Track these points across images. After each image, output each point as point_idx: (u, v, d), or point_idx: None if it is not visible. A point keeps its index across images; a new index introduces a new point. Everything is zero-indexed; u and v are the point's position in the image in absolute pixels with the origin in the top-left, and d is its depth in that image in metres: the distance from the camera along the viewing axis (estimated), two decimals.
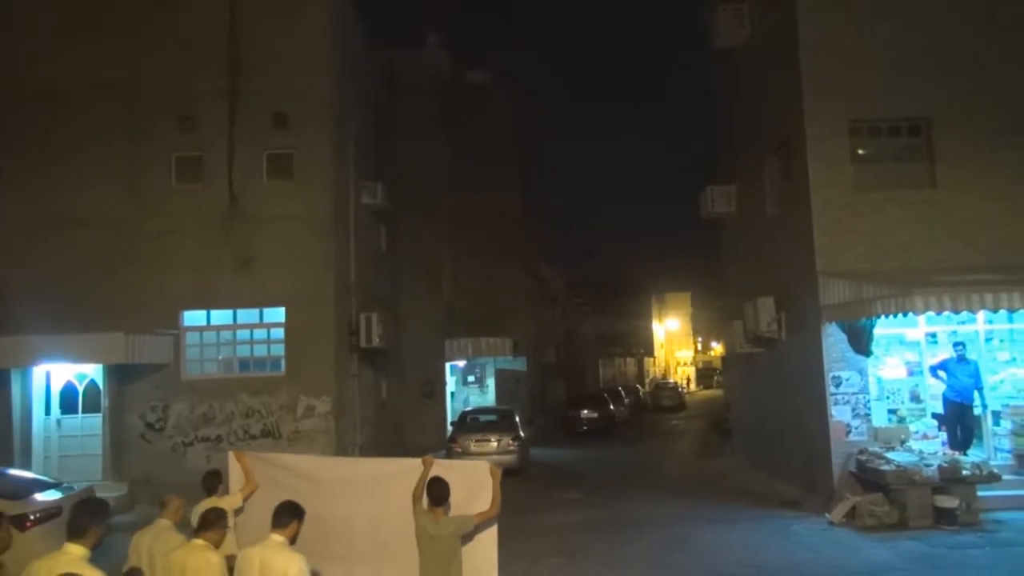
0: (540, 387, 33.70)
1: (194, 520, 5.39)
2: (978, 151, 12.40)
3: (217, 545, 5.05)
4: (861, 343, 12.11)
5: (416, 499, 5.87)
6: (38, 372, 14.35)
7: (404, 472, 6.24)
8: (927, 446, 11.82)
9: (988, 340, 12.48)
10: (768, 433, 15.45)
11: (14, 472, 10.68)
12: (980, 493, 10.74)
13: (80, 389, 14.76)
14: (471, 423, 19.27)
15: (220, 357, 15.26)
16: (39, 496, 9.52)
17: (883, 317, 10.92)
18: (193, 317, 15.15)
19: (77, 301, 14.29)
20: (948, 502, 10.48)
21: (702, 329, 75.30)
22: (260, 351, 15.24)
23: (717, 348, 64.26)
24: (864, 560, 9.40)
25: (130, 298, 14.54)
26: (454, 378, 26.10)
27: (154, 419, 14.68)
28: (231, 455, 6.93)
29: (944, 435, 12.01)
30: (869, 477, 11.25)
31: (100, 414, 14.52)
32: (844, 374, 12.16)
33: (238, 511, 6.39)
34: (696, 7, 18.20)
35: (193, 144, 15.17)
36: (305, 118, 15.24)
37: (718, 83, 18.73)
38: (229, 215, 14.98)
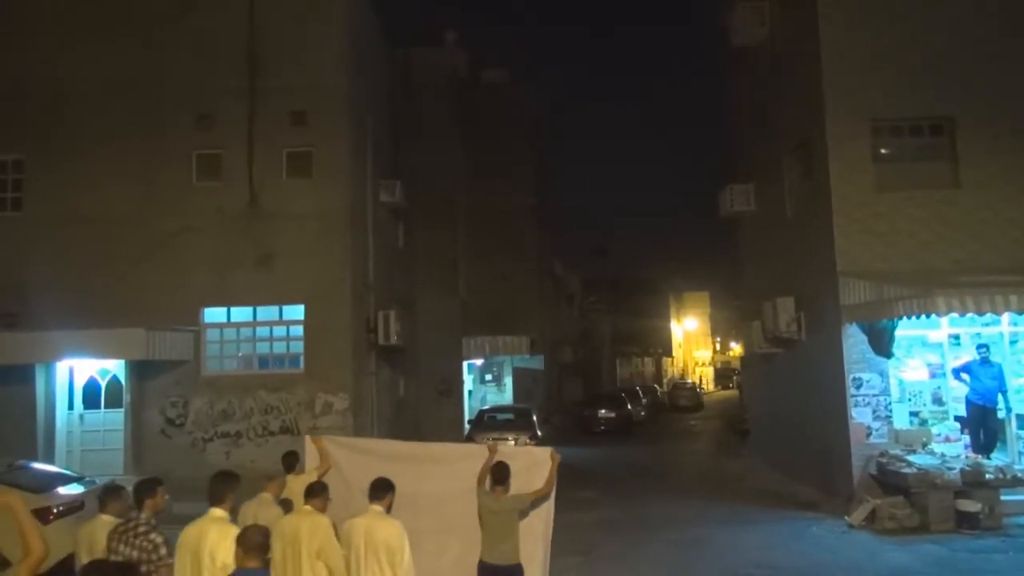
0: (557, 386, 33.69)
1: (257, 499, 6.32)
2: (1001, 151, 12.24)
3: (322, 511, 5.73)
4: (882, 344, 11.98)
5: (480, 481, 6.68)
6: (61, 367, 14.54)
7: (467, 456, 7.15)
8: (949, 449, 11.67)
9: (1013, 342, 12.30)
10: (786, 434, 15.33)
11: (38, 466, 10.83)
12: (1003, 497, 10.61)
13: (102, 385, 14.94)
14: (488, 421, 19.30)
15: (240, 354, 15.39)
16: (62, 490, 9.64)
17: (905, 318, 10.80)
18: (213, 314, 15.29)
19: (99, 298, 14.46)
20: (970, 506, 10.35)
21: (720, 329, 74.83)
22: (279, 348, 15.34)
23: (736, 348, 63.87)
24: (884, 564, 9.30)
25: (151, 295, 14.69)
26: (472, 376, 26.16)
27: (174, 415, 14.83)
28: (307, 439, 7.68)
29: (967, 438, 11.85)
30: (890, 480, 11.13)
31: (122, 409, 14.69)
32: (865, 375, 12.04)
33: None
34: (715, 5, 18.09)
35: (212, 142, 15.30)
36: (323, 116, 15.32)
37: (737, 81, 18.60)
38: (249, 212, 15.09)
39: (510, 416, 19.55)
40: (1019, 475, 10.70)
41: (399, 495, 5.92)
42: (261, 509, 6.22)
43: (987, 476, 10.50)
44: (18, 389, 14.01)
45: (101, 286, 14.61)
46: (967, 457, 11.24)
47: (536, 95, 30.20)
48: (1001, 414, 11.81)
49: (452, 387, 22.85)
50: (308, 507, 5.75)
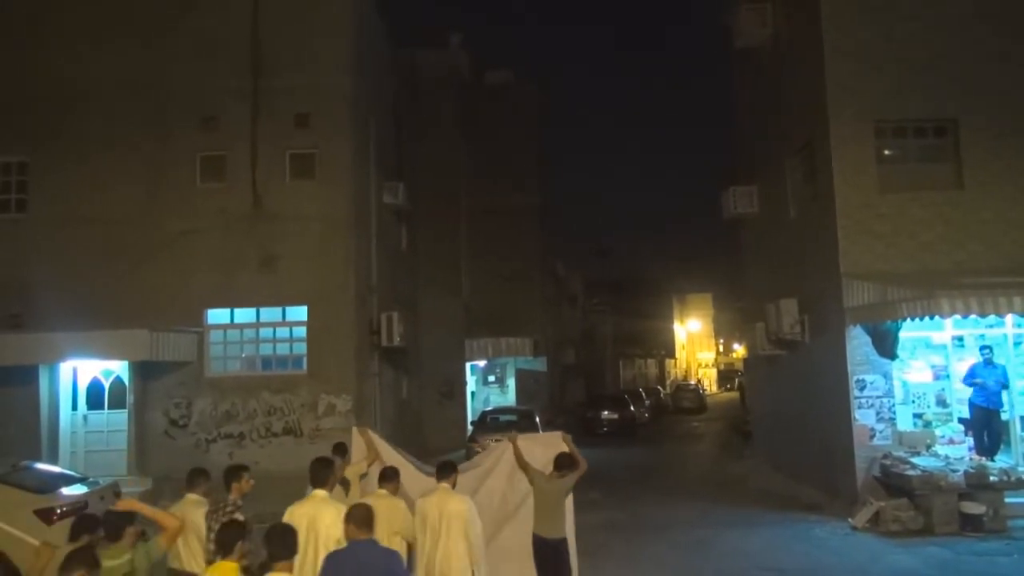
0: (560, 387, 33.68)
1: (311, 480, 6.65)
2: (1004, 152, 12.21)
3: (394, 494, 6.45)
4: (886, 346, 11.96)
5: (522, 467, 7.45)
6: (65, 368, 14.57)
7: (494, 451, 8.00)
8: (953, 451, 11.64)
9: (1017, 344, 12.26)
10: (790, 436, 15.31)
11: (41, 466, 10.83)
12: (1007, 500, 10.58)
13: (106, 385, 14.97)
14: (491, 423, 19.29)
15: (243, 355, 15.41)
16: (66, 490, 9.65)
17: (908, 320, 10.77)
18: (217, 315, 15.31)
19: (102, 299, 14.49)
20: (975, 508, 10.32)
21: (724, 331, 74.77)
22: (282, 349, 15.37)
23: (739, 350, 63.79)
24: (888, 566, 9.28)
25: (155, 296, 14.72)
26: (474, 378, 26.16)
27: (178, 416, 14.85)
28: (355, 430, 8.18)
29: (971, 440, 11.81)
30: (894, 482, 11.10)
31: (125, 410, 14.72)
32: (868, 377, 12.02)
33: (362, 476, 7.60)
34: (718, 6, 18.08)
35: (216, 144, 15.33)
36: (327, 118, 15.35)
37: (740, 83, 18.58)
38: (252, 214, 15.12)
39: (513, 418, 19.53)
40: (1023, 477, 10.66)
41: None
42: (309, 504, 6.53)
43: (991, 478, 10.47)
44: (22, 390, 14.06)
45: (105, 287, 14.64)
46: (971, 459, 11.21)
47: (539, 96, 30.19)
48: (1005, 416, 11.78)
49: (455, 388, 22.86)
50: (383, 491, 6.43)
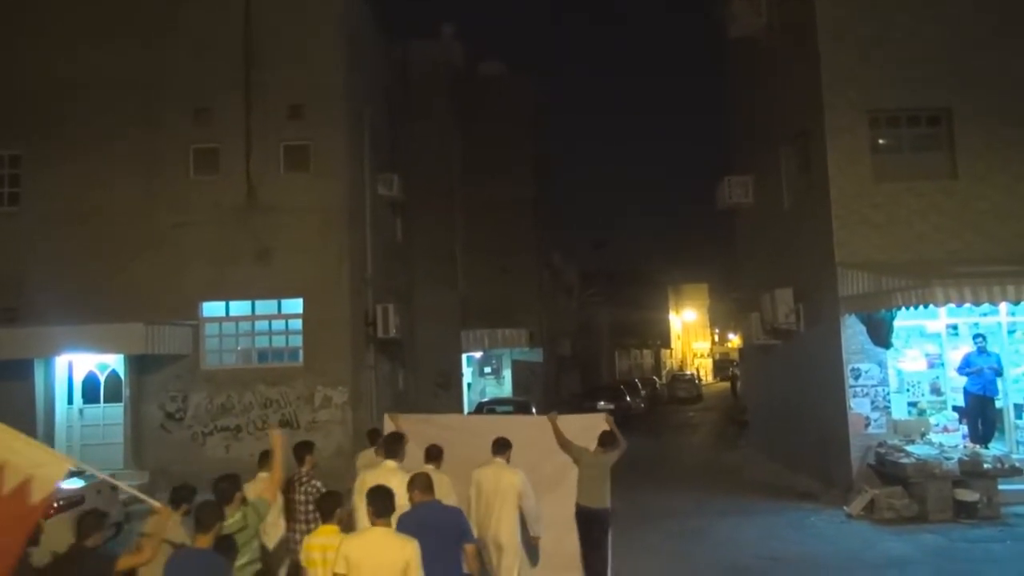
0: (556, 378, 33.71)
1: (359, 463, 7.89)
2: (999, 142, 12.22)
3: (438, 469, 6.73)
4: (880, 335, 12.00)
5: (563, 444, 7.87)
6: (60, 362, 14.55)
7: (531, 425, 8.59)
8: (948, 439, 11.68)
9: (1011, 332, 12.30)
10: (785, 425, 15.37)
11: None
12: (1001, 487, 10.62)
13: (101, 379, 14.95)
14: (487, 414, 19.30)
15: (238, 348, 15.40)
16: (62, 484, 9.62)
17: (903, 309, 10.81)
18: (212, 308, 15.29)
19: (97, 292, 14.46)
20: (968, 496, 10.38)
21: (719, 321, 74.74)
22: (278, 342, 15.36)
23: (734, 340, 63.91)
24: (882, 553, 9.34)
25: (150, 289, 14.69)
26: (471, 369, 26.17)
27: (174, 409, 14.84)
28: (387, 416, 8.47)
29: (965, 428, 11.87)
30: (888, 470, 11.16)
31: (121, 404, 14.71)
32: (863, 366, 12.06)
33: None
34: None
35: (210, 136, 15.28)
36: (320, 110, 15.29)
37: (734, 72, 18.56)
38: (246, 207, 15.07)
39: (509, 409, 19.56)
40: (1017, 464, 10.71)
41: (477, 460, 7.06)
42: (379, 473, 6.87)
43: (985, 466, 10.53)
44: (17, 384, 14.04)
45: (99, 281, 14.60)
46: (965, 447, 11.26)
47: (533, 88, 30.10)
48: (999, 404, 11.83)
49: (451, 380, 22.88)
50: (429, 466, 6.67)
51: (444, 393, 22.51)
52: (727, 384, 48.08)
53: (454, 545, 5.47)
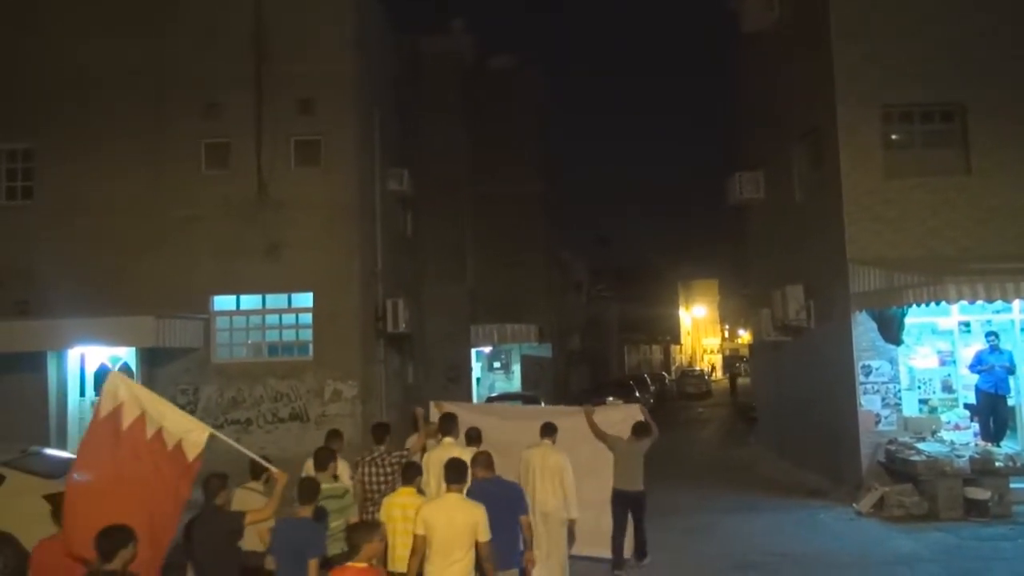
0: (565, 374, 33.70)
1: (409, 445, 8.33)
2: (1012, 138, 12.13)
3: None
4: (892, 332, 11.94)
5: (599, 435, 8.75)
6: (72, 355, 14.65)
7: (566, 414, 9.18)
8: (959, 437, 11.63)
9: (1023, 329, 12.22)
10: (795, 422, 15.32)
11: (50, 452, 10.92)
12: (1013, 485, 10.58)
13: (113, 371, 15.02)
14: None
15: (249, 342, 15.46)
16: None
17: (915, 305, 10.74)
18: (222, 302, 15.35)
19: (109, 286, 14.55)
20: (979, 494, 10.33)
21: (729, 317, 74.53)
22: (288, 336, 15.41)
23: (744, 336, 63.68)
24: (891, 551, 9.31)
25: (161, 283, 14.76)
26: (480, 364, 26.20)
27: (184, 402, 14.89)
28: (432, 404, 9.30)
29: (976, 426, 11.81)
30: (898, 467, 11.12)
31: None
32: (874, 363, 12.01)
33: (438, 441, 8.40)
34: None
35: (221, 131, 15.31)
36: (331, 104, 15.29)
37: (746, 68, 18.45)
38: (257, 201, 15.11)
39: (518, 404, 19.56)
40: None
41: (515, 447, 7.85)
42: (443, 449, 7.62)
43: (996, 464, 10.48)
44: (30, 376, 14.15)
45: (111, 274, 14.68)
46: (976, 445, 11.21)
47: (543, 82, 30.02)
48: (1012, 402, 11.76)
49: (460, 374, 22.91)
50: (472, 448, 7.41)
51: (453, 387, 22.53)
52: (739, 380, 47.97)
53: (513, 516, 6.19)
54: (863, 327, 12.07)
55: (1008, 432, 11.72)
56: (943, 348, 12.45)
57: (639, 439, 8.72)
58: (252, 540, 6.13)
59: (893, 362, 12.02)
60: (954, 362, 12.33)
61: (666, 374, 49.00)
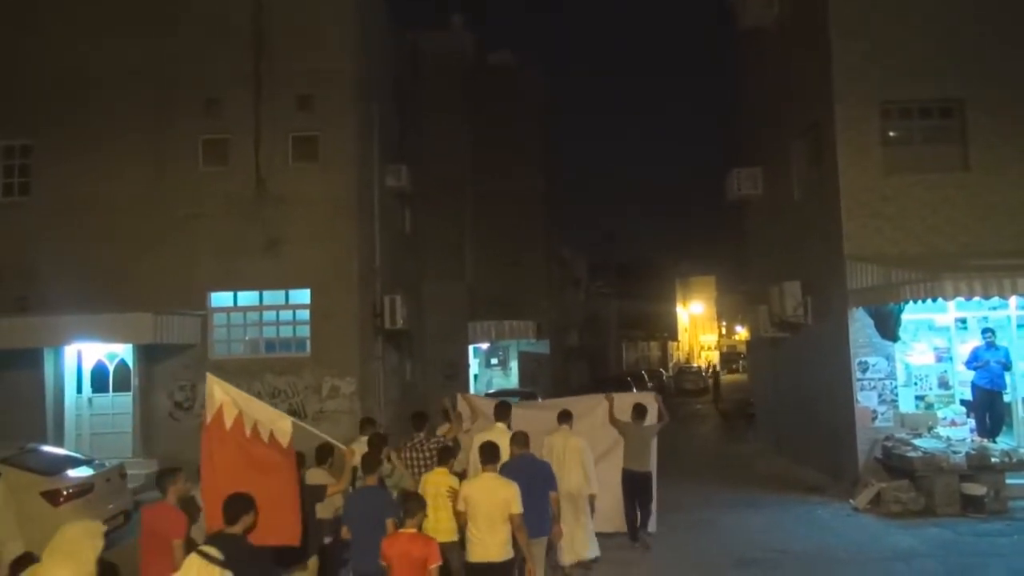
0: (562, 370, 33.72)
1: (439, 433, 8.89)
2: (1011, 134, 12.12)
3: (509, 428, 8.11)
4: (888, 328, 11.95)
5: (612, 421, 9.62)
6: (70, 351, 14.63)
7: (581, 403, 9.98)
8: (955, 433, 11.66)
9: (1020, 326, 12.22)
10: (792, 418, 15.35)
11: (48, 449, 10.93)
12: (1009, 481, 10.59)
13: (111, 368, 15.03)
14: None
15: (247, 338, 15.46)
16: (72, 472, 9.73)
17: (912, 302, 10.75)
18: (220, 298, 15.35)
19: (107, 282, 14.54)
20: (976, 490, 10.35)
21: (727, 313, 74.53)
22: (286, 332, 15.41)
23: (742, 332, 63.74)
24: (889, 546, 9.34)
25: (159, 279, 14.75)
26: (477, 360, 26.21)
27: (182, 398, 14.92)
28: (459, 396, 10.21)
29: (972, 422, 11.83)
30: (895, 463, 11.14)
31: (130, 393, 14.79)
32: (871, 359, 12.03)
33: (466, 431, 9.25)
34: None
35: (220, 127, 15.29)
36: (330, 100, 15.28)
37: (745, 64, 18.44)
38: (255, 197, 15.10)
39: (516, 400, 19.55)
40: None
41: (539, 435, 8.17)
42: (491, 433, 8.07)
43: (993, 460, 10.50)
44: (27, 373, 14.14)
45: (109, 270, 14.67)
46: (973, 441, 11.23)
47: (542, 79, 30.00)
48: (1007, 398, 11.78)
49: (458, 371, 22.92)
50: (500, 425, 8.32)
51: (451, 384, 22.54)
52: (735, 377, 48.06)
53: (544, 490, 6.91)
54: (860, 323, 12.08)
55: (1004, 428, 11.74)
56: (940, 344, 12.45)
57: (638, 420, 9.52)
58: (324, 509, 7.13)
59: (890, 358, 12.04)
60: (950, 358, 12.34)
61: (664, 371, 49.03)
